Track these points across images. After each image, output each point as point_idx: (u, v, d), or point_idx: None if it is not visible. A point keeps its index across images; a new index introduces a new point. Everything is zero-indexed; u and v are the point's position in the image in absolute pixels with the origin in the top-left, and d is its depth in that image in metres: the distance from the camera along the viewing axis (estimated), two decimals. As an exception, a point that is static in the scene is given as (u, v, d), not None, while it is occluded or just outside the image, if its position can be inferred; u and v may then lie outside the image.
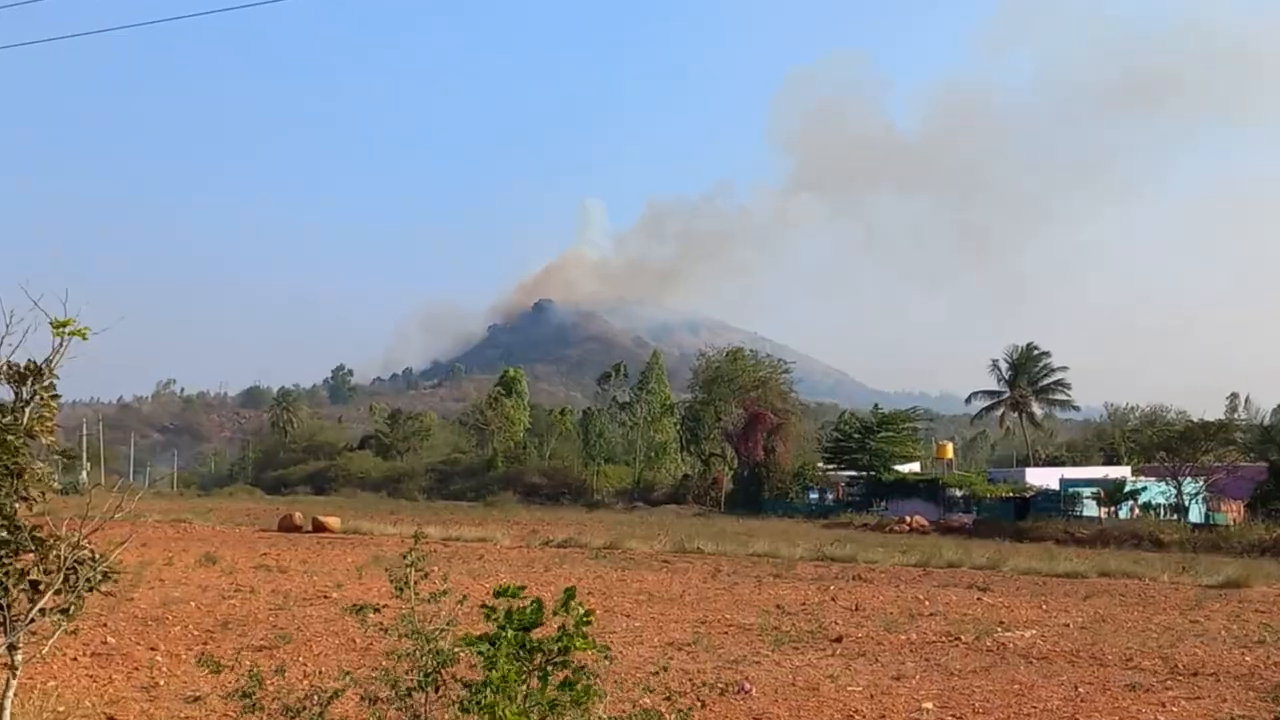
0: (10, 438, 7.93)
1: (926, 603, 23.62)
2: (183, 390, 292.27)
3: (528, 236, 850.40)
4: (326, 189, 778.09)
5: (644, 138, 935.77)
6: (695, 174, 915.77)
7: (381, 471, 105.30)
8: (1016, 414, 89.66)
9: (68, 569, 7.98)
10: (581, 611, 6.12)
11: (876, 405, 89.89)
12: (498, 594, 5.72)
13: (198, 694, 12.42)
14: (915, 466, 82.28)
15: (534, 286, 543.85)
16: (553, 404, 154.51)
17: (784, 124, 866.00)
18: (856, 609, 22.33)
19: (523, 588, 5.83)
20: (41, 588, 7.94)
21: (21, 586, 7.91)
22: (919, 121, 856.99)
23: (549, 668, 6.09)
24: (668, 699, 11.77)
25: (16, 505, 8.02)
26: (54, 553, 8.01)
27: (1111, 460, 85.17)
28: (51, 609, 7.98)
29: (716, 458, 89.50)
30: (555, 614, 5.94)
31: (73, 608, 8.03)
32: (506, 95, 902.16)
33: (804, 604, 22.96)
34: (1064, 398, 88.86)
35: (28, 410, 8.12)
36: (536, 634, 6.14)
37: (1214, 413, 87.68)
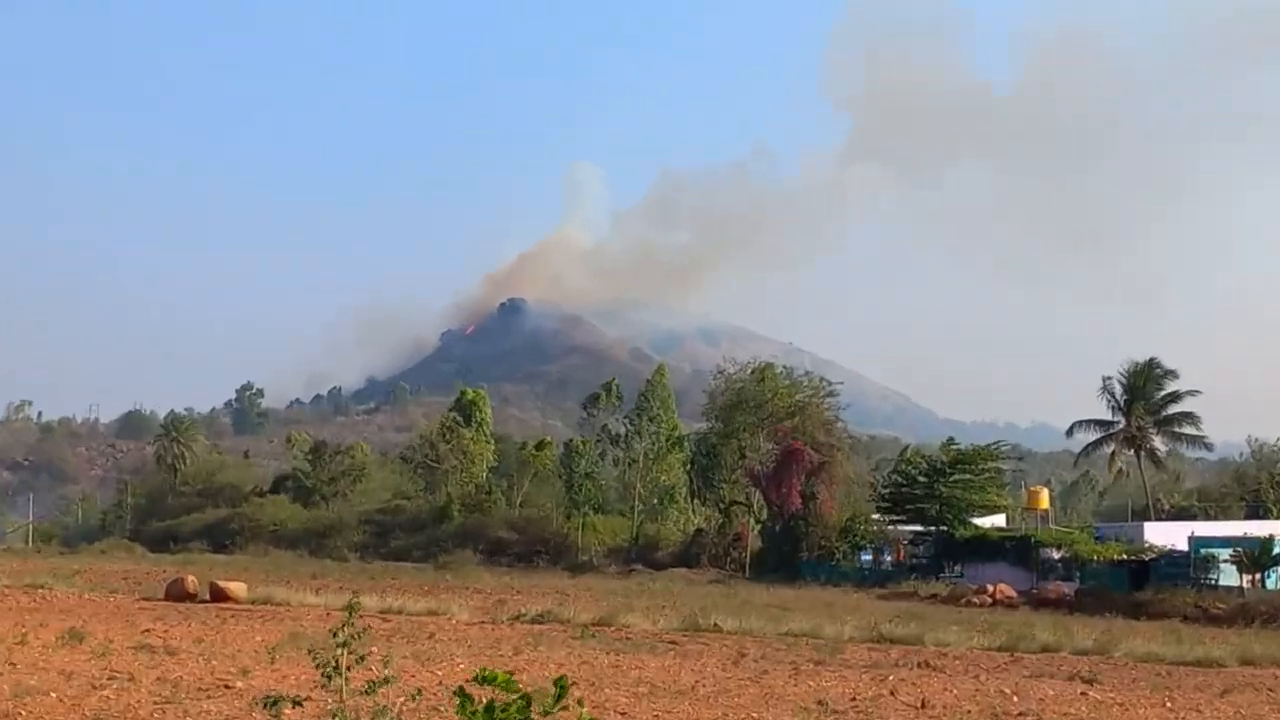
0: None
1: (1015, 699, 23.59)
2: (40, 416, 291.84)
3: (497, 215, 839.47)
4: (226, 158, 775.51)
5: (655, 85, 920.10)
6: (721, 137, 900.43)
7: (301, 522, 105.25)
8: (1132, 451, 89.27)
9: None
10: (584, 713, 6.06)
11: (950, 440, 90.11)
12: (481, 680, 5.63)
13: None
14: (999, 520, 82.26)
15: (504, 281, 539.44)
16: (526, 435, 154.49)
17: (841, 73, 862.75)
18: (923, 706, 22.30)
19: (511, 676, 5.75)
20: None
21: None
22: (1013, 71, 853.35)
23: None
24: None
25: None
26: None
27: (1256, 513, 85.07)
28: None
29: (739, 507, 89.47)
30: (546, 714, 5.84)
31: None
32: (467, 24, 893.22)
33: (854, 700, 22.93)
34: (1195, 431, 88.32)
35: None
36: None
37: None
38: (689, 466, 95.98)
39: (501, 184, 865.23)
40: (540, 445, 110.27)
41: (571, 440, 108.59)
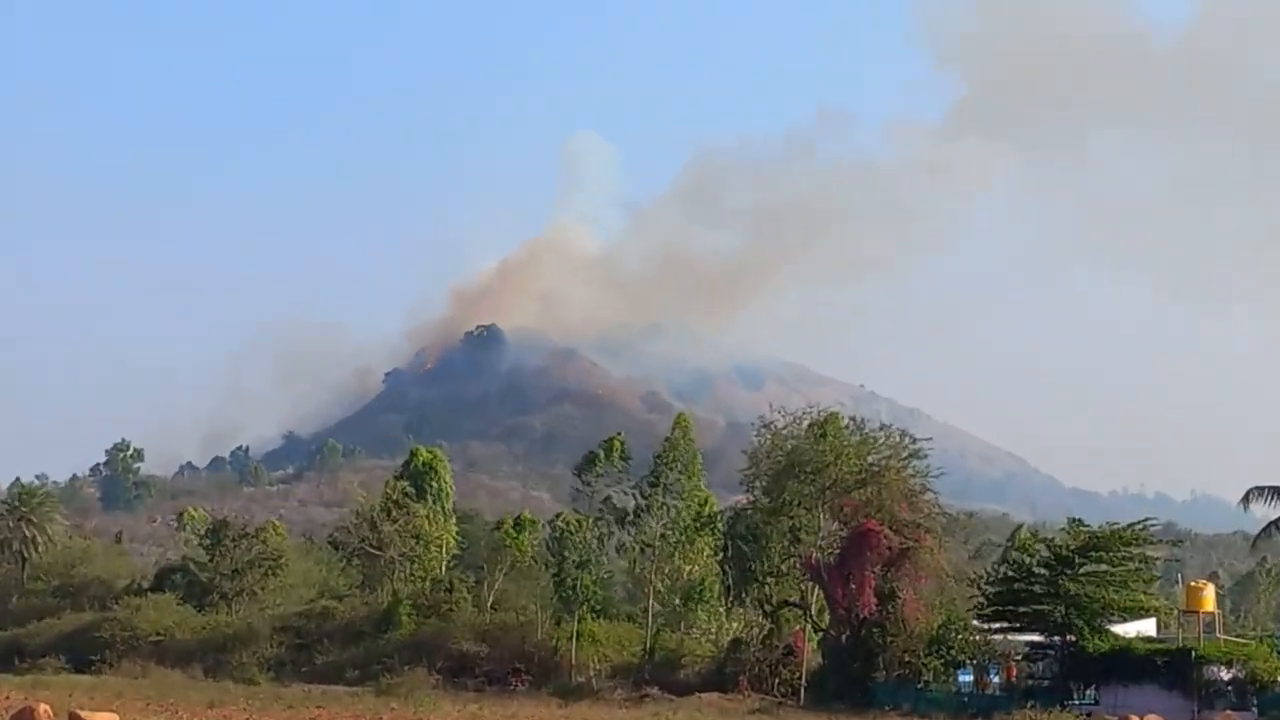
0: None
1: None
2: None
3: (470, 204, 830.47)
4: (97, 138, 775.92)
5: (686, 29, 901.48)
6: (775, 100, 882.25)
7: (194, 631, 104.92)
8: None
9: None
10: None
11: (1076, 520, 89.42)
12: None
13: None
14: (1148, 626, 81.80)
15: (477, 298, 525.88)
16: (501, 511, 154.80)
17: (943, 16, 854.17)
18: None
19: None
20: None
21: None
22: (1180, 9, 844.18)
23: None
24: None
25: None
26: None
27: None
28: None
29: (792, 610, 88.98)
30: None
31: None
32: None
33: None
34: None
35: None
36: None
37: None
38: (723, 554, 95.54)
39: (475, 160, 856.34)
40: (519, 524, 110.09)
41: (561, 517, 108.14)
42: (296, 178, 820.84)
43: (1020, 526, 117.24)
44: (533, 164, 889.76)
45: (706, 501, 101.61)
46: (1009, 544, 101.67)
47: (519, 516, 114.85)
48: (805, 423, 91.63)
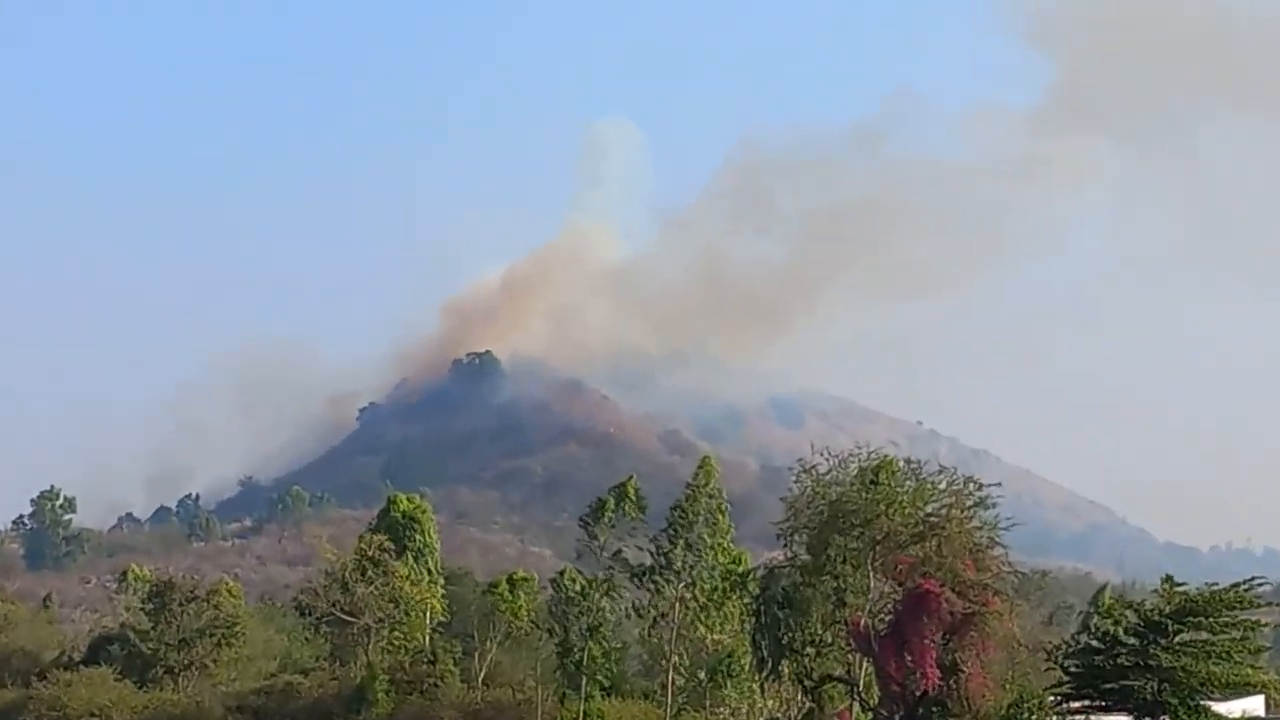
0: None
1: None
2: None
3: (467, 208, 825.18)
4: (21, 124, 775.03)
5: (728, 5, 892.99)
6: (837, 87, 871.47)
7: (135, 711, 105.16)
8: None
9: None
10: None
11: (1171, 580, 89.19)
12: None
13: None
14: (1256, 704, 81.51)
15: (474, 316, 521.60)
16: (494, 570, 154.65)
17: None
18: None
19: None
20: None
21: None
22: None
23: None
24: None
25: None
26: None
27: None
28: None
29: (836, 687, 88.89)
30: None
31: None
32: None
33: None
34: None
35: None
36: None
37: None
38: (756, 620, 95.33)
39: (477, 151, 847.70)
40: (514, 584, 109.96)
41: (565, 575, 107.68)
42: (261, 176, 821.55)
43: (1104, 587, 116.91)
44: (548, 155, 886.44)
45: (737, 559, 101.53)
46: (1091, 608, 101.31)
47: (513, 575, 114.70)
48: (853, 467, 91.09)
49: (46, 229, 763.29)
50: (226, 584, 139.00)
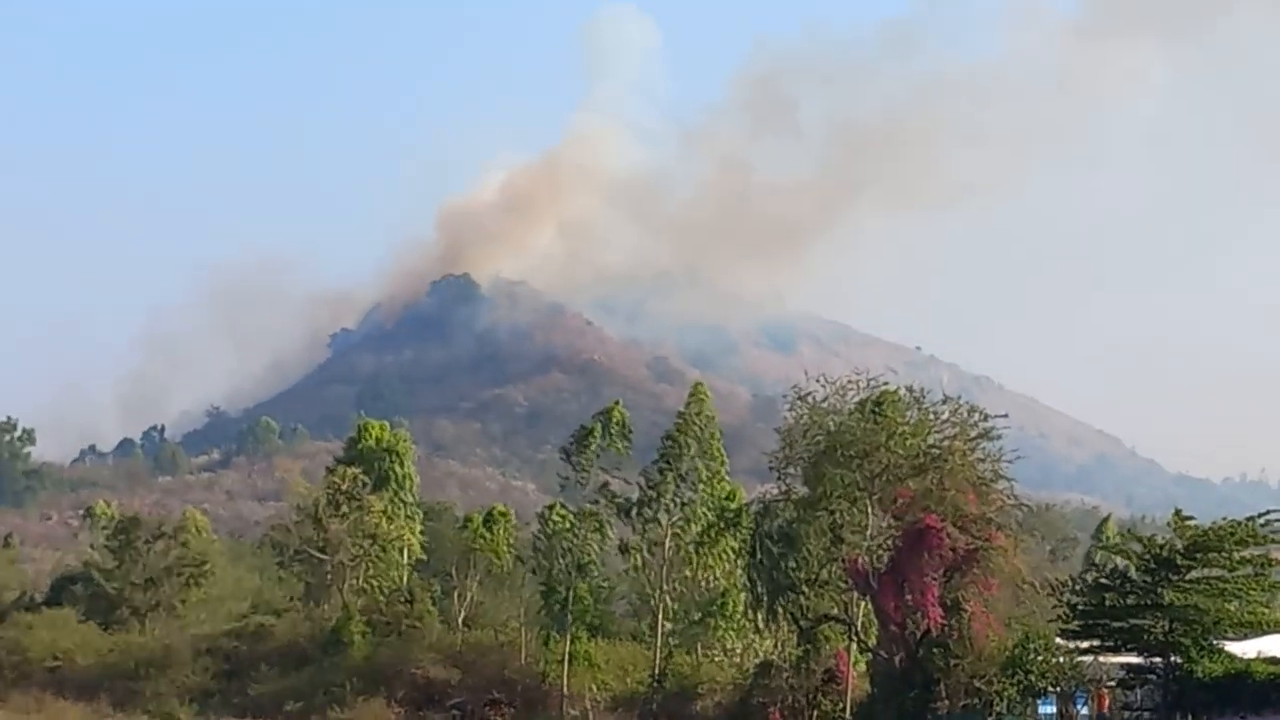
0: None
1: None
2: None
3: (465, 107, 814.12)
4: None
5: None
6: None
7: (100, 654, 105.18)
8: None
9: None
10: None
11: (1180, 514, 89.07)
12: None
13: None
14: (1271, 644, 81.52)
15: (468, 224, 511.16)
16: (475, 504, 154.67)
17: None
18: None
19: None
20: None
21: None
22: None
23: None
24: None
25: None
26: None
27: None
28: None
29: (833, 626, 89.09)
30: None
31: None
32: None
33: None
34: None
35: None
36: None
37: None
38: (751, 558, 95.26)
39: (474, 43, 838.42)
40: (491, 519, 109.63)
41: (552, 509, 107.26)
42: (243, 72, 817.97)
43: (1107, 519, 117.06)
44: (549, 49, 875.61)
45: (732, 494, 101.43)
46: (1098, 544, 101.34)
47: (490, 510, 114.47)
48: (851, 396, 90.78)
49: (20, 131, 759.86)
50: (195, 518, 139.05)
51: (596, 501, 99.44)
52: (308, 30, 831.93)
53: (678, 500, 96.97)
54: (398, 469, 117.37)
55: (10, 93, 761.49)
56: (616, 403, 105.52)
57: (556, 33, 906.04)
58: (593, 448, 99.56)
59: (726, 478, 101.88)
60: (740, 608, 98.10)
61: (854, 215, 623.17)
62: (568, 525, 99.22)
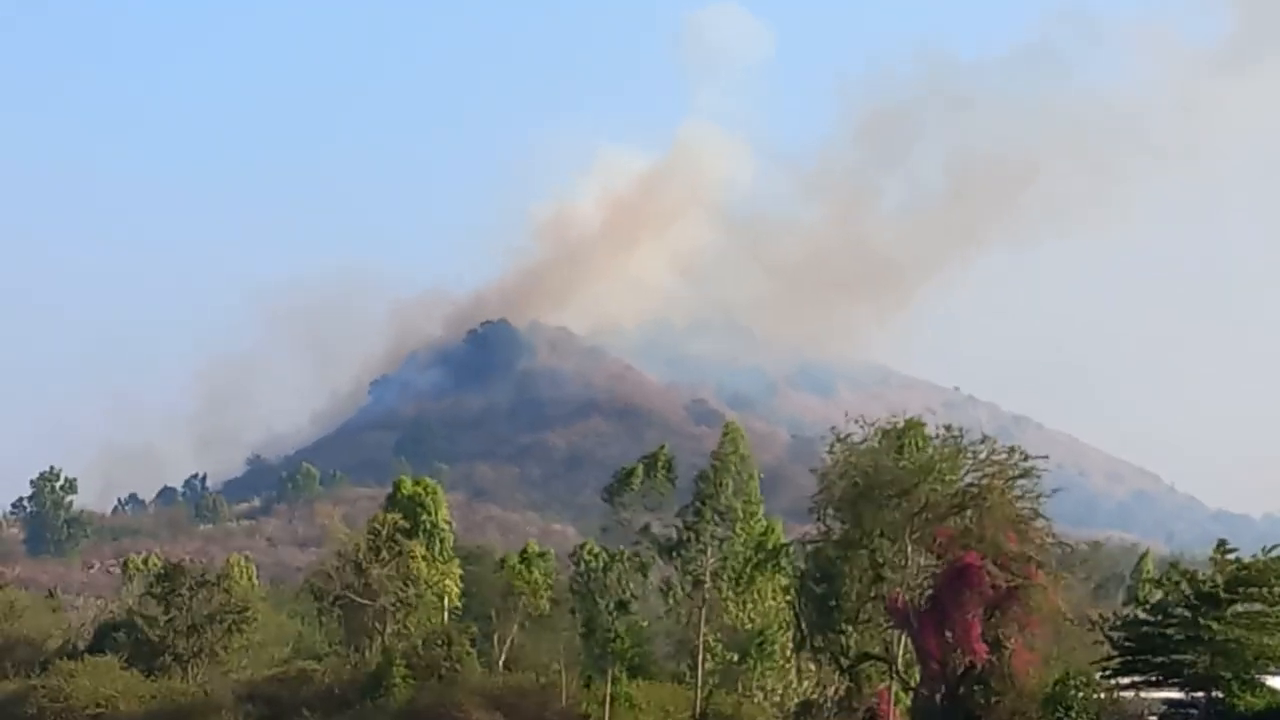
0: None
1: None
2: None
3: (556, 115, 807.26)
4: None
5: None
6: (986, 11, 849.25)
7: (143, 701, 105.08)
8: None
9: None
10: None
11: (1222, 545, 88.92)
12: None
13: None
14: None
15: (512, 286, 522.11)
16: (515, 547, 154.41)
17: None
18: None
19: None
20: None
21: None
22: None
23: None
24: None
25: None
26: None
27: None
28: None
29: (874, 666, 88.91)
30: None
31: None
32: None
33: None
34: None
35: None
36: None
37: None
38: (794, 597, 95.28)
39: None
40: (528, 561, 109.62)
41: (586, 548, 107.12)
42: (313, 75, 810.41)
43: (1145, 554, 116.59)
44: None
45: (770, 530, 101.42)
46: (1138, 579, 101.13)
47: (525, 550, 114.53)
48: (880, 432, 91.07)
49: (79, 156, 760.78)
50: (240, 563, 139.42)
51: (638, 542, 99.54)
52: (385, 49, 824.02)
53: (715, 537, 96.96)
54: (433, 514, 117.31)
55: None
56: (662, 446, 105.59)
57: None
58: (635, 488, 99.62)
59: (763, 516, 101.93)
60: (781, 647, 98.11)
61: (966, 253, 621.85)
62: (605, 565, 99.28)
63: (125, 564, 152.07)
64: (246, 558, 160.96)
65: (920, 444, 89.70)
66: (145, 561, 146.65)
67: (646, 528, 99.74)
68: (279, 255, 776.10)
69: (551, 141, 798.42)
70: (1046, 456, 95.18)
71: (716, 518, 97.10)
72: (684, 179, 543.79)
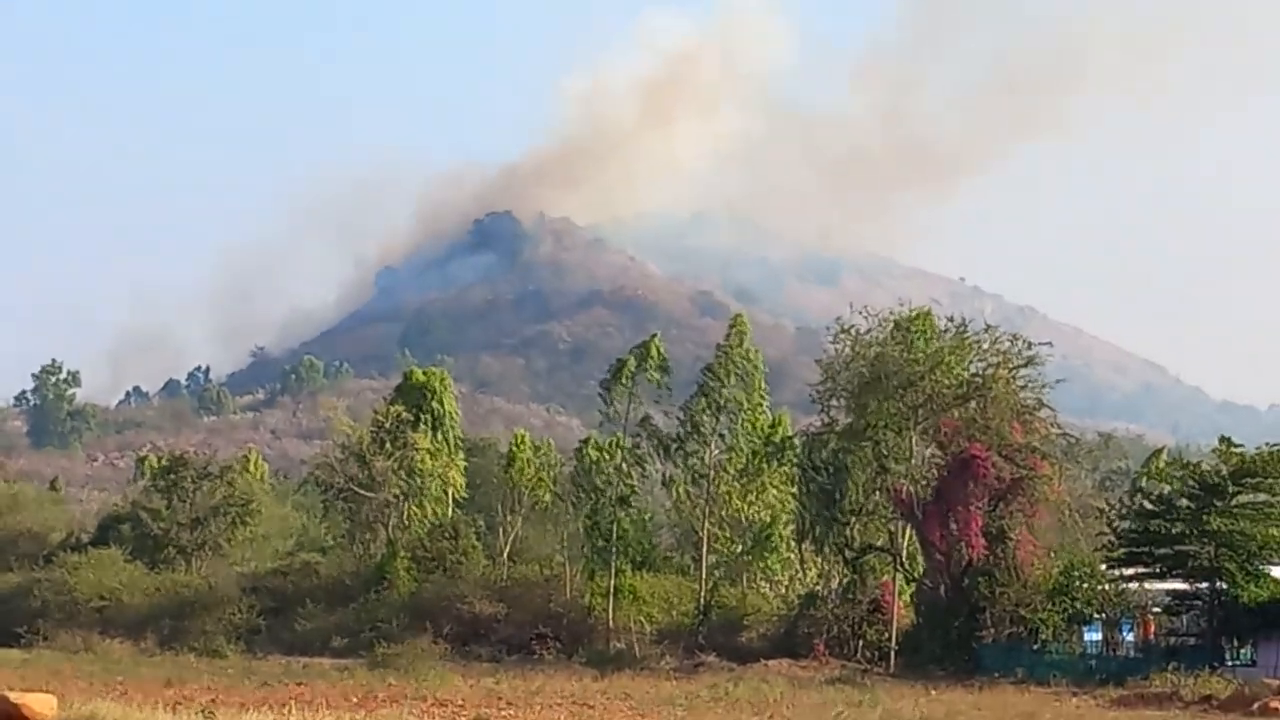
0: None
1: None
2: None
3: None
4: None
5: None
6: None
7: (147, 594, 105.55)
8: None
9: None
10: None
11: (1228, 440, 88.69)
12: None
13: None
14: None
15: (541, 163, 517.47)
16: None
17: None
18: None
19: None
20: None
21: None
22: None
23: None
24: None
25: None
26: None
27: None
28: None
29: (878, 557, 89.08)
30: None
31: None
32: None
33: None
34: None
35: None
36: None
37: None
38: (800, 488, 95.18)
39: None
40: (535, 453, 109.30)
41: (586, 442, 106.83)
42: None
43: (1159, 450, 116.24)
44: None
45: (778, 422, 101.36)
46: (1144, 472, 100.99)
47: (540, 446, 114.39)
48: (888, 322, 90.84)
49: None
50: (249, 453, 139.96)
51: (638, 434, 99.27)
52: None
53: (718, 431, 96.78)
54: (440, 406, 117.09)
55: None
56: (654, 335, 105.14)
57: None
58: (627, 380, 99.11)
59: (767, 409, 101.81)
60: (785, 539, 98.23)
61: (1007, 148, 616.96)
62: (608, 457, 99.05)
63: (140, 460, 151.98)
64: (255, 453, 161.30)
65: (929, 335, 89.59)
66: (159, 460, 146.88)
67: (645, 420, 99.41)
68: (308, 144, 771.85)
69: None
70: (1050, 343, 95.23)
71: (719, 411, 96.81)
72: (722, 60, 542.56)
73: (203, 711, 46.79)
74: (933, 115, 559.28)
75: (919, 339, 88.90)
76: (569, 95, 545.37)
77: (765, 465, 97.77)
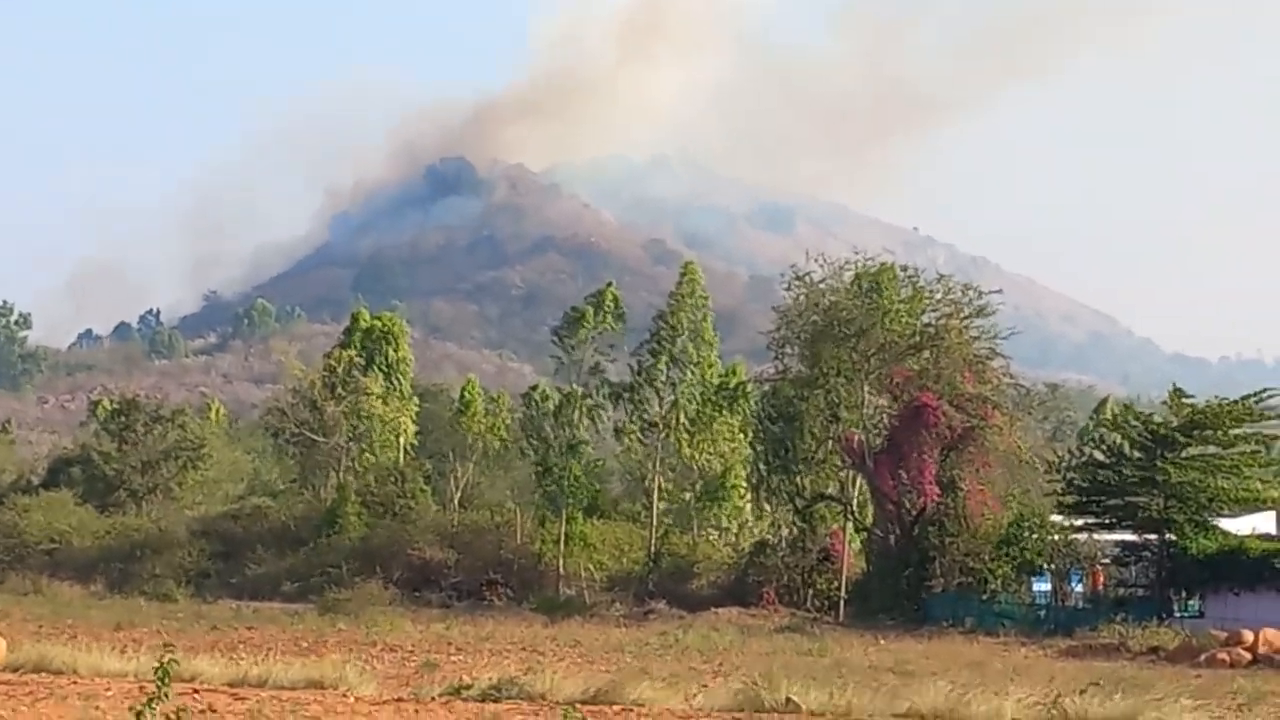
0: None
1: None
2: None
3: None
4: None
5: None
6: None
7: (97, 536, 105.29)
8: None
9: None
10: None
11: (1179, 392, 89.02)
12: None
13: None
14: (1266, 521, 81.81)
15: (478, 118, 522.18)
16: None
17: None
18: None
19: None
20: None
21: None
22: None
23: None
24: None
25: None
26: None
27: None
28: None
29: (829, 506, 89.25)
30: None
31: None
32: None
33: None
34: None
35: None
36: None
37: None
38: (754, 437, 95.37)
39: None
40: (494, 401, 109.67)
41: (535, 388, 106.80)
42: None
43: (1106, 400, 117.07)
44: None
45: (732, 371, 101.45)
46: (1094, 422, 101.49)
47: (494, 395, 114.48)
48: (848, 274, 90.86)
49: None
50: (212, 404, 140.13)
51: (589, 382, 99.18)
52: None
53: (670, 381, 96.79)
54: (393, 350, 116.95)
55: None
56: (609, 284, 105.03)
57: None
58: (585, 330, 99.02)
59: (717, 359, 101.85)
60: (737, 488, 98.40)
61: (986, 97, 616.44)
62: (557, 405, 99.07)
63: (93, 404, 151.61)
64: (201, 395, 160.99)
65: (893, 290, 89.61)
66: (111, 403, 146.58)
67: (596, 367, 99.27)
68: (281, 75, 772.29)
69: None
70: (1000, 291, 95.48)
71: (671, 361, 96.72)
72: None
73: (164, 645, 46.56)
74: (914, 60, 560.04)
75: (882, 292, 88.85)
76: (547, 32, 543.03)
77: (716, 414, 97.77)
